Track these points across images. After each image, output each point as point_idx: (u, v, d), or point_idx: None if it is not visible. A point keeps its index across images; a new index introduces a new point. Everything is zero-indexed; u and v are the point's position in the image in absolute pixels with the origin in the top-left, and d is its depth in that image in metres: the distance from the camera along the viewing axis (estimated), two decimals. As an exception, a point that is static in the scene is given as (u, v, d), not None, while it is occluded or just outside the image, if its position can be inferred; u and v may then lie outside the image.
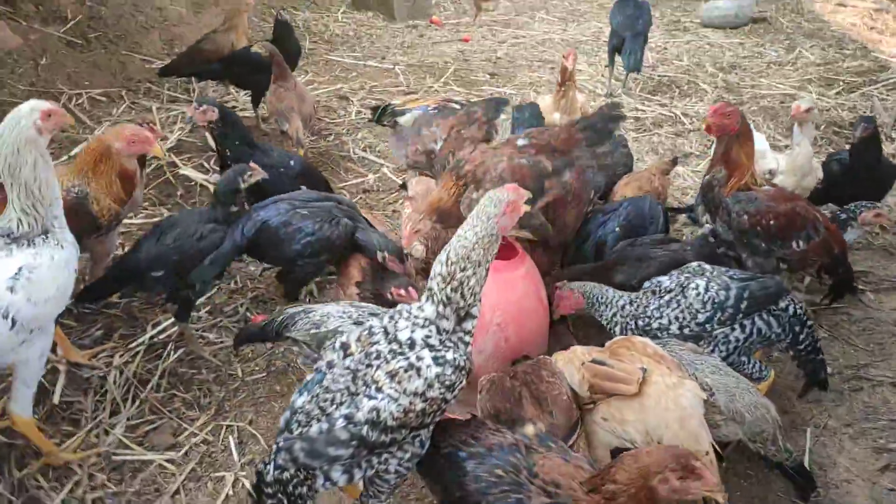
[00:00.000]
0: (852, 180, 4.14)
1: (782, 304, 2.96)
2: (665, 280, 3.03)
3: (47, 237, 2.67)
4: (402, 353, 2.18)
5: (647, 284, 3.09)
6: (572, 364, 2.74)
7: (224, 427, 3.26)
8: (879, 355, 3.58)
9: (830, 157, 4.49)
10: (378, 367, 2.18)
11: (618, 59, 6.83)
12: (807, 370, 3.09)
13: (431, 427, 2.35)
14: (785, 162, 4.21)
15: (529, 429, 2.51)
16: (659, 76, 7.64)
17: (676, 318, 2.93)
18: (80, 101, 5.83)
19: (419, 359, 2.15)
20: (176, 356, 3.58)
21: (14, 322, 2.53)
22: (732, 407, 2.60)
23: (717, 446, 2.49)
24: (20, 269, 2.56)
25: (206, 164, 5.26)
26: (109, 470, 3.02)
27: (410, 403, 2.12)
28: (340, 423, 2.13)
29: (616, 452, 2.73)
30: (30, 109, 2.62)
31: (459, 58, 8.03)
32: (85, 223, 3.29)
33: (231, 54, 5.56)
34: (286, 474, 2.24)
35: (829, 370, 3.24)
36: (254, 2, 6.02)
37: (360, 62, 7.65)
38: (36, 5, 6.55)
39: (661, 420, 2.49)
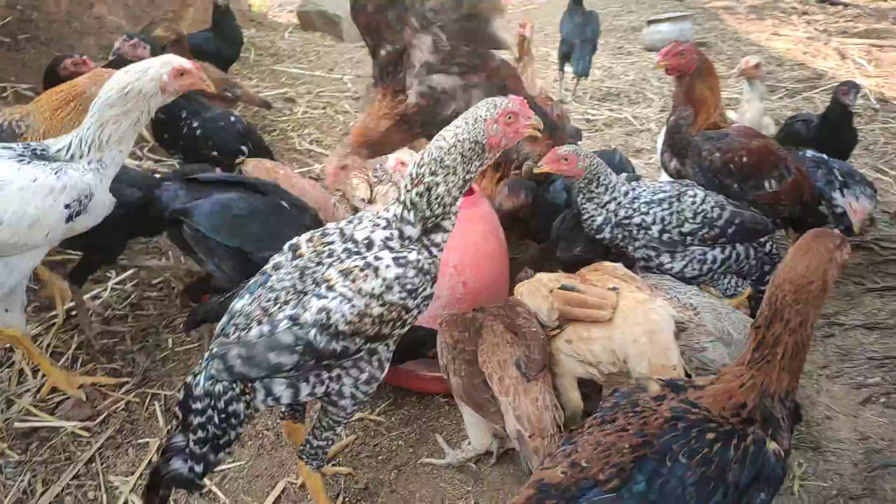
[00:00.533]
0: (818, 141, 4.09)
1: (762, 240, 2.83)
2: (665, 185, 2.87)
3: (63, 165, 2.38)
4: (358, 252, 1.92)
5: (636, 183, 2.90)
6: (539, 293, 2.54)
7: (150, 395, 2.91)
8: (849, 304, 3.46)
9: (794, 118, 4.47)
10: (330, 265, 1.90)
11: (567, 67, 6.89)
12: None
13: (392, 344, 2.07)
14: (735, 118, 4.17)
15: None
16: (607, 87, 7.72)
17: (662, 219, 2.74)
18: (4, 95, 5.49)
19: (377, 258, 1.89)
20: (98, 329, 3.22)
21: None
22: (720, 326, 2.42)
23: (686, 368, 2.31)
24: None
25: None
26: (12, 438, 2.63)
27: (366, 306, 1.85)
28: (284, 324, 1.84)
29: (581, 384, 2.53)
30: (161, 63, 2.41)
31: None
32: None
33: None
34: (219, 387, 1.90)
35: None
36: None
37: (307, 72, 7.51)
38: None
39: (630, 334, 2.30)
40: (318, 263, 1.92)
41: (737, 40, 10.28)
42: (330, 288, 1.86)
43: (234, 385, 1.89)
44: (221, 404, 1.90)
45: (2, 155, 2.33)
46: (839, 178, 3.55)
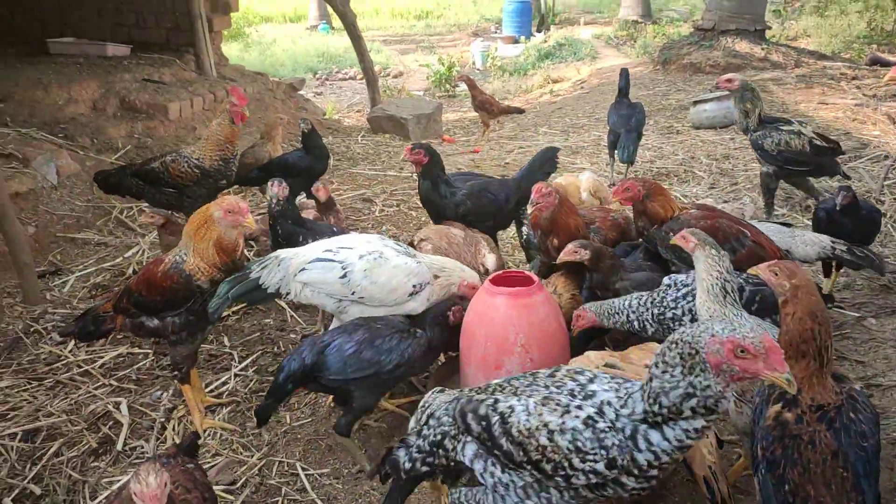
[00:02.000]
0: (840, 226, 4.41)
1: None
2: (683, 276, 3.34)
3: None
4: (575, 396, 2.23)
5: (665, 280, 3.38)
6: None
7: (276, 462, 3.48)
8: (886, 366, 3.78)
9: (818, 207, 4.85)
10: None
11: (617, 154, 7.48)
12: None
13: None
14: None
15: None
16: (657, 168, 8.22)
17: (690, 310, 3.17)
18: (130, 214, 6.46)
19: (578, 407, 2.16)
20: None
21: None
22: None
23: (718, 436, 2.71)
24: None
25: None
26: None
27: (537, 429, 2.17)
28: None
29: None
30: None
31: (471, 165, 8.73)
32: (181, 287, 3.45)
33: (269, 161, 6.23)
34: (450, 426, 2.44)
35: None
36: (286, 118, 6.76)
37: (380, 173, 8.35)
38: (91, 138, 7.40)
39: None
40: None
41: (784, 112, 10.59)
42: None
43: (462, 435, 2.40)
44: (440, 435, 2.47)
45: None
46: None
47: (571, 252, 3.67)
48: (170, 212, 5.17)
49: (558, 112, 12.61)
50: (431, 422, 2.51)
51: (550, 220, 4.06)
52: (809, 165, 5.36)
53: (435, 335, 3.50)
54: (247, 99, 5.22)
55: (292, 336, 4.60)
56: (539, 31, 23.48)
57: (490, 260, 4.26)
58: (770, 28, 15.60)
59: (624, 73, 7.66)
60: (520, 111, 11.04)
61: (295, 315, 4.83)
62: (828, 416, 2.29)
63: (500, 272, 3.76)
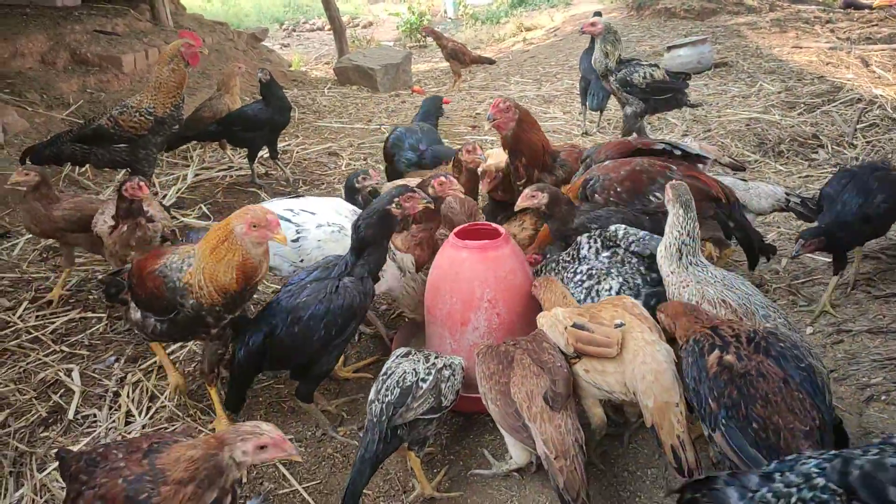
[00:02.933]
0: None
1: None
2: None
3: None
4: None
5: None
6: (556, 328, 2.90)
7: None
8: (857, 311, 3.74)
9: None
10: None
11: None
12: None
13: None
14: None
15: None
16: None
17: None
18: (83, 171, 6.17)
19: None
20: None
21: None
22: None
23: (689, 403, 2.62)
24: None
25: (206, 211, 5.55)
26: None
27: None
28: None
29: (603, 404, 2.87)
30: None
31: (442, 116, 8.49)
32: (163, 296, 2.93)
33: (227, 115, 5.96)
34: None
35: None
36: (244, 67, 6.46)
37: (347, 126, 8.09)
38: (40, 94, 7.03)
39: (639, 372, 2.64)
40: None
41: (758, 56, 10.47)
42: None
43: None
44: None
45: None
46: None
47: (529, 197, 3.54)
48: (47, 168, 4.83)
49: (531, 61, 12.33)
50: (791, 476, 1.72)
51: (514, 139, 3.97)
52: (670, 93, 5.71)
53: (372, 260, 3.05)
54: (200, 39, 4.93)
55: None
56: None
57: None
58: (745, -29, 15.32)
59: (597, 17, 7.44)
60: (491, 62, 10.76)
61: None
62: (762, 345, 2.36)
63: (465, 224, 3.62)
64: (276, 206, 3.53)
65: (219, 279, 2.79)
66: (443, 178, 3.58)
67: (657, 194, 3.50)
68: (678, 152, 3.78)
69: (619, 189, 3.57)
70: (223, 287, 2.80)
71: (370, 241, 2.99)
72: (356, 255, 3.01)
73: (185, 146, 6.67)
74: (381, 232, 3.02)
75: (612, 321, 2.81)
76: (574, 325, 2.83)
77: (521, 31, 16.95)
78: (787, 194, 4.08)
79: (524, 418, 2.68)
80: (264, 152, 6.14)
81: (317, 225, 3.35)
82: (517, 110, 3.95)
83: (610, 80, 5.61)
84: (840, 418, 2.58)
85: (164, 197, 5.79)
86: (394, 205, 2.99)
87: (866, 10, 12.84)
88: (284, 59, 12.96)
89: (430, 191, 3.54)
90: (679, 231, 2.96)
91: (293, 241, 3.32)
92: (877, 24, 11.56)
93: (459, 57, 9.98)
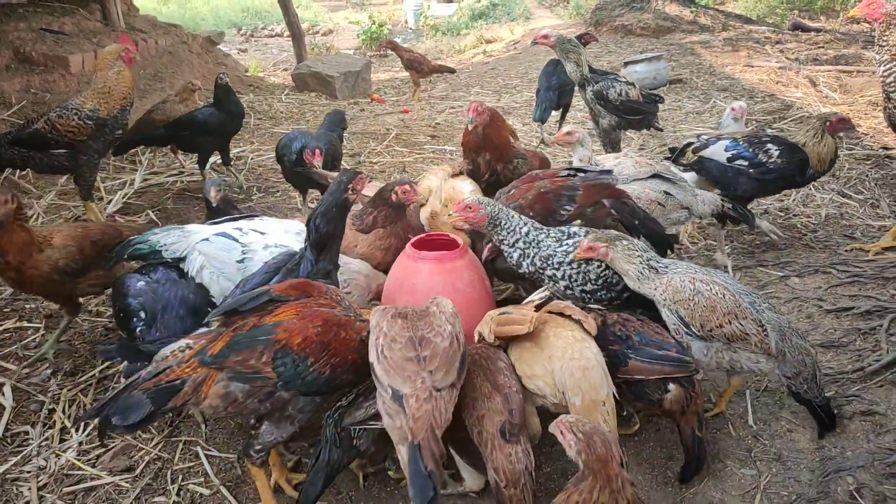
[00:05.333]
0: None
1: None
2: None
3: None
4: None
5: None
6: (486, 324, 2.89)
7: (181, 443, 3.21)
8: (809, 325, 3.78)
9: None
10: None
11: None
12: None
13: None
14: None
15: None
16: (588, 129, 8.11)
17: (570, 276, 3.15)
18: (24, 174, 5.91)
19: None
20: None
21: None
22: (780, 346, 2.79)
23: (617, 396, 2.63)
24: None
25: (154, 218, 5.36)
26: (60, 491, 2.94)
27: None
28: None
29: (541, 412, 2.82)
30: None
31: (401, 125, 8.42)
32: None
33: (176, 119, 5.77)
34: None
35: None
36: (199, 84, 6.28)
37: (305, 133, 7.95)
38: (-18, 94, 6.74)
39: (567, 369, 2.62)
40: None
41: (711, 74, 10.71)
42: None
43: None
44: None
45: None
46: None
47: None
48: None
49: (491, 72, 12.38)
50: None
51: (483, 137, 4.11)
52: (642, 114, 5.60)
53: (333, 252, 3.01)
54: (135, 46, 4.77)
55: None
56: (472, -11, 23.03)
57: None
58: (699, -9, 15.76)
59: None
60: (451, 71, 10.75)
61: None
62: None
63: (422, 235, 3.55)
64: (227, 224, 3.41)
65: None
66: (406, 187, 3.59)
67: (566, 207, 3.55)
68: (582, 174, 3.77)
69: (531, 214, 3.48)
70: None
71: (331, 235, 2.96)
72: (317, 252, 2.95)
73: (134, 150, 6.46)
74: (341, 223, 3.02)
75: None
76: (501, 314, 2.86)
77: (482, 43, 17.03)
78: (723, 200, 4.19)
79: (475, 442, 2.57)
80: (217, 158, 5.97)
81: (264, 245, 3.23)
82: (489, 112, 4.12)
83: (587, 90, 5.44)
84: (827, 398, 2.96)
85: (110, 202, 5.57)
86: (350, 191, 3.00)
87: (812, 33, 13.28)
88: (241, 63, 12.73)
89: (394, 196, 3.59)
90: (637, 257, 2.96)
91: (238, 261, 3.19)
92: (823, 46, 11.97)
93: (417, 67, 9.93)
